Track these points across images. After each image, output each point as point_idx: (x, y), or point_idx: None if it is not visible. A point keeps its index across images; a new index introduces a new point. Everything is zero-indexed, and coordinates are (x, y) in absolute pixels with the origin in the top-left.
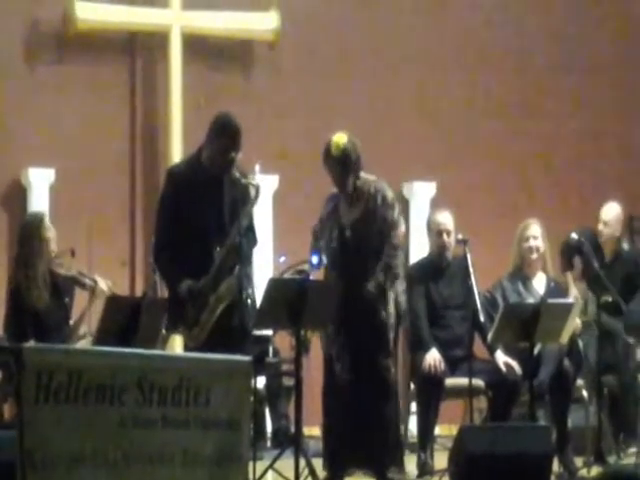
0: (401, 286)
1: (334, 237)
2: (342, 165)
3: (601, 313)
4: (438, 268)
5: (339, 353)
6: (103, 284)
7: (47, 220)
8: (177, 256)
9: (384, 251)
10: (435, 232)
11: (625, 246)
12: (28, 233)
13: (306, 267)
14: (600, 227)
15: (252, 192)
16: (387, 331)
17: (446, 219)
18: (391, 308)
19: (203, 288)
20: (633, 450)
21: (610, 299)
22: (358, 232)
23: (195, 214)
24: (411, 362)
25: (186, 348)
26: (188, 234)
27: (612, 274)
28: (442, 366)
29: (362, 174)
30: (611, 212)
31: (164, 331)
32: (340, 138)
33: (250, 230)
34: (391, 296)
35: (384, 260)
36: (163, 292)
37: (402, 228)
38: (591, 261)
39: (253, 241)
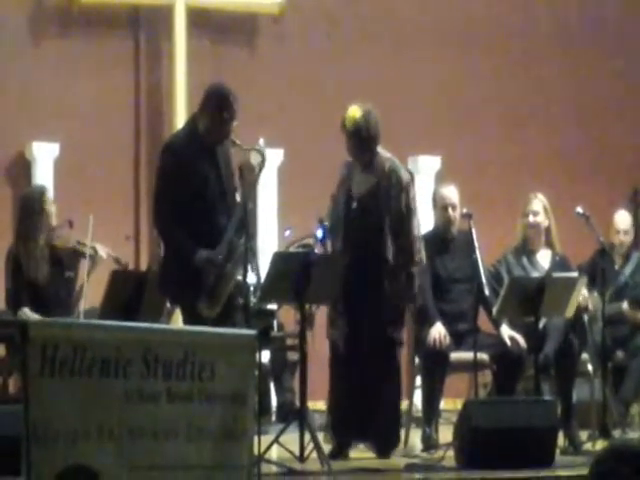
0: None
1: (341, 206)
2: (353, 140)
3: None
4: (443, 242)
5: (335, 320)
6: (102, 251)
7: (48, 194)
8: (185, 227)
9: (401, 243)
10: (440, 206)
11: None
12: (29, 206)
13: (311, 241)
14: (622, 237)
15: (258, 158)
16: (397, 304)
17: (451, 193)
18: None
19: (219, 256)
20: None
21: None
22: (364, 206)
23: (197, 184)
24: (416, 336)
25: (197, 320)
26: (193, 204)
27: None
28: (447, 340)
29: (379, 149)
30: (625, 221)
31: (169, 305)
32: (354, 112)
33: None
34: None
35: (403, 260)
36: None
37: (418, 215)
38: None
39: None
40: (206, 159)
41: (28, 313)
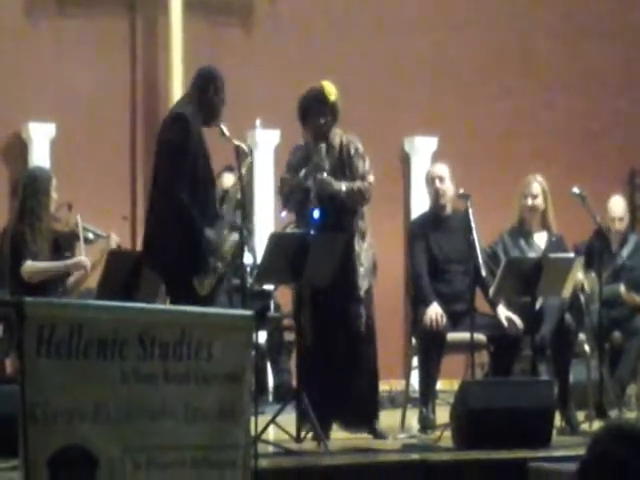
0: (367, 242)
1: (313, 194)
2: (332, 113)
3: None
4: (438, 220)
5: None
6: (112, 241)
7: (54, 180)
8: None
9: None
10: (429, 180)
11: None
12: (38, 186)
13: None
14: (617, 225)
15: (244, 154)
16: (356, 278)
17: (439, 168)
18: (363, 259)
19: (219, 236)
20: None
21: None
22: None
23: (202, 158)
24: (413, 317)
25: (184, 297)
26: (199, 178)
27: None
28: (444, 320)
29: None
30: (620, 207)
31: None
32: (332, 86)
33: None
34: (363, 247)
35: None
36: None
37: (371, 179)
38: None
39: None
40: (202, 140)
41: (30, 264)
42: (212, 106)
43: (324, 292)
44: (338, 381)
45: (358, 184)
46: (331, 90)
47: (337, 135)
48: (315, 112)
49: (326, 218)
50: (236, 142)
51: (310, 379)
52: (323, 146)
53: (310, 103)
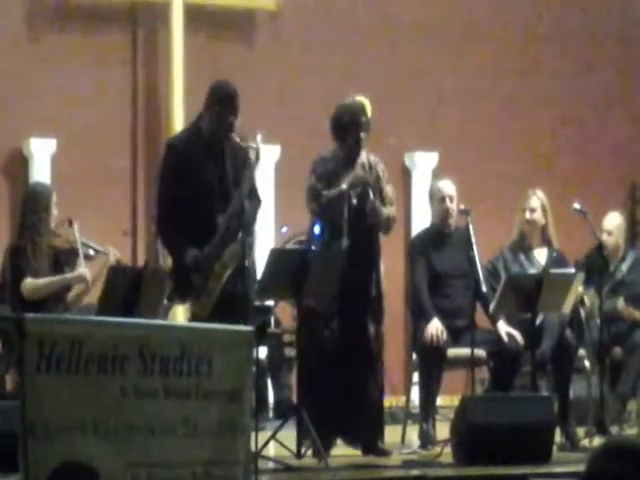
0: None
1: (344, 207)
2: (367, 129)
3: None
4: (440, 237)
5: (330, 316)
6: (112, 257)
7: (54, 195)
8: (181, 226)
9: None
10: (438, 199)
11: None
12: (38, 202)
13: (302, 237)
14: (604, 237)
15: (252, 155)
16: (382, 301)
17: (448, 186)
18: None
19: (208, 256)
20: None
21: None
22: (363, 200)
23: (198, 183)
24: (413, 332)
25: (194, 318)
26: (192, 203)
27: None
28: (444, 336)
29: None
30: (614, 222)
31: (166, 301)
32: (368, 103)
33: (253, 192)
34: (382, 268)
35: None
36: (165, 261)
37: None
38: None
39: (257, 203)
40: (210, 159)
41: (30, 281)
42: (215, 120)
43: (354, 312)
44: (348, 398)
45: (392, 212)
46: (369, 106)
47: (364, 154)
48: (356, 126)
49: (356, 238)
50: (244, 144)
51: (314, 395)
52: (364, 160)
53: (352, 116)
